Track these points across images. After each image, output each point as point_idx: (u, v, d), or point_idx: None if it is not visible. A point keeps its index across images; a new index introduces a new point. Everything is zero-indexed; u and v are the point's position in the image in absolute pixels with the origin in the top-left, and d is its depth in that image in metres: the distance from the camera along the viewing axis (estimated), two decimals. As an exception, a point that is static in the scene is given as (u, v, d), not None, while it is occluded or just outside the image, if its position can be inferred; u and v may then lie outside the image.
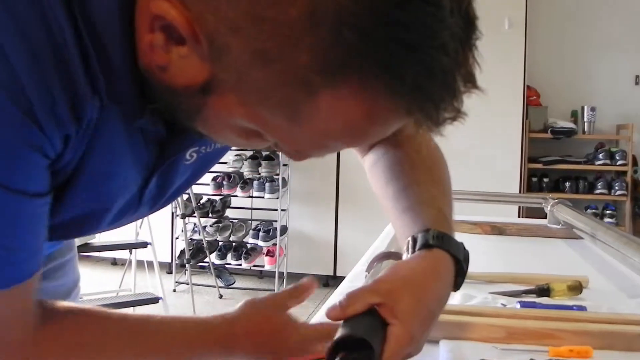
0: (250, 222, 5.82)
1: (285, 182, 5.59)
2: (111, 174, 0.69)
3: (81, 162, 0.64)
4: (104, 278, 5.43)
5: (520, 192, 5.39)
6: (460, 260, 0.78)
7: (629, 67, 5.78)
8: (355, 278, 1.40)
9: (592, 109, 5.62)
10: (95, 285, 4.86)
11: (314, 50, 0.50)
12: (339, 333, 0.65)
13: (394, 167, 0.93)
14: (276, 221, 5.56)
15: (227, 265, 5.65)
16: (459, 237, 0.82)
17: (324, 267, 5.78)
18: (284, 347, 0.81)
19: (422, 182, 0.89)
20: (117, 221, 0.78)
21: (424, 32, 0.49)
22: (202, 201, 5.61)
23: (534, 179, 5.70)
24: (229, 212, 5.74)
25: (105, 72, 0.59)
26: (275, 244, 5.55)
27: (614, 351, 0.99)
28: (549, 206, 2.19)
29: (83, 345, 0.73)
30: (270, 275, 5.66)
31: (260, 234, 5.58)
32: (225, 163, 5.51)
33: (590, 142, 5.79)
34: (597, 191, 5.60)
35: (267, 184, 5.47)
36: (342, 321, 0.67)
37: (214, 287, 5.38)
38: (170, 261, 5.82)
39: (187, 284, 5.15)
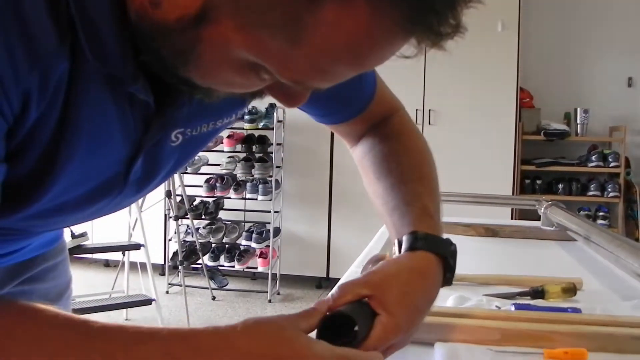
0: (243, 223, 5.82)
1: (278, 184, 5.59)
2: (99, 147, 0.66)
3: (60, 136, 0.61)
4: (96, 280, 5.42)
5: (513, 193, 5.40)
6: (447, 258, 0.81)
7: (621, 69, 5.80)
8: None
9: (585, 111, 5.63)
10: (88, 287, 4.86)
11: None
12: (329, 315, 0.69)
13: (382, 164, 0.95)
14: (269, 223, 5.55)
15: (220, 267, 5.65)
16: (453, 239, 0.84)
17: (317, 268, 5.80)
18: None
19: (408, 180, 0.91)
20: (99, 205, 0.75)
21: None
22: (195, 203, 5.62)
23: (527, 181, 5.71)
24: (222, 214, 5.74)
25: (86, 25, 0.57)
26: (268, 246, 5.55)
27: (608, 353, 0.98)
28: (543, 208, 2.19)
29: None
30: (263, 276, 5.66)
31: (254, 235, 5.58)
32: (218, 165, 5.53)
33: (583, 144, 5.80)
34: (590, 193, 5.61)
35: (260, 186, 5.47)
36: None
37: (207, 288, 5.38)
38: (163, 263, 5.82)
39: (180, 285, 5.14)
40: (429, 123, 5.30)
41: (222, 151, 5.54)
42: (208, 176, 5.62)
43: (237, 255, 5.60)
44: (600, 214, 5.65)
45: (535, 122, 5.64)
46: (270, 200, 5.46)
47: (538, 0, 5.79)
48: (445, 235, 0.85)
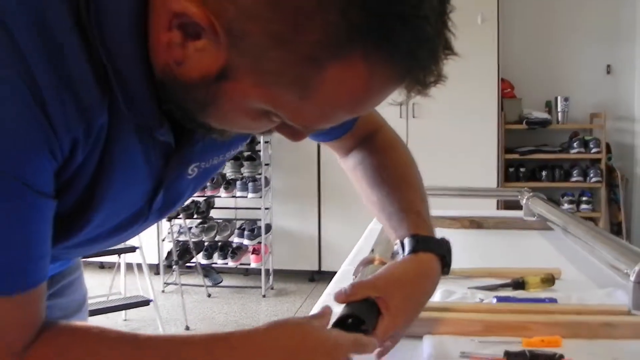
0: (234, 221, 5.86)
1: (267, 181, 5.62)
2: (129, 184, 0.73)
3: (99, 176, 0.68)
4: (92, 282, 5.41)
5: (497, 182, 5.45)
6: (444, 256, 0.95)
7: (600, 57, 5.83)
8: (342, 278, 1.45)
9: (566, 99, 5.68)
10: (84, 290, 4.87)
11: (324, 28, 0.57)
12: (343, 311, 0.85)
13: (374, 175, 1.08)
14: (260, 220, 5.60)
15: (213, 265, 5.69)
16: (440, 232, 0.99)
17: (309, 262, 5.84)
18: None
19: (399, 189, 1.04)
20: (127, 232, 0.84)
21: (412, 4, 0.57)
22: (186, 203, 5.62)
23: (511, 169, 5.74)
24: (213, 213, 5.76)
25: (119, 80, 0.64)
26: (260, 242, 5.59)
27: (581, 339, 1.04)
28: (524, 199, 2.22)
29: None
30: (256, 272, 5.69)
31: (245, 232, 5.62)
32: (208, 164, 5.55)
33: (565, 132, 5.84)
34: (573, 179, 5.65)
35: (249, 184, 5.50)
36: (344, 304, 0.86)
37: (202, 286, 5.41)
38: (157, 262, 5.84)
39: (176, 284, 5.18)
40: (413, 116, 5.34)
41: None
42: (198, 176, 5.62)
43: (230, 253, 5.64)
44: (584, 199, 5.69)
45: (517, 112, 5.69)
46: (261, 197, 5.50)
47: (516, -9, 5.84)
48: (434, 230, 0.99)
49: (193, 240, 5.43)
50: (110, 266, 5.47)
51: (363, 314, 0.84)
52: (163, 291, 5.51)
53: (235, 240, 5.68)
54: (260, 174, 5.51)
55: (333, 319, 0.85)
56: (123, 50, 0.63)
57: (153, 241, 5.71)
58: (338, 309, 0.87)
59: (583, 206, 5.66)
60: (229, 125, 0.70)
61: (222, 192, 5.59)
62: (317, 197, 5.78)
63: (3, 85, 0.56)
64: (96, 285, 4.99)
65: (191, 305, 5.08)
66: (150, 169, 0.75)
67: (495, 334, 1.06)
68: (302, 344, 0.74)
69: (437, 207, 1.43)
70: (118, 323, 4.60)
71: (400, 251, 0.96)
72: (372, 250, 1.20)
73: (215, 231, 5.70)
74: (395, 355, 0.95)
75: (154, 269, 5.79)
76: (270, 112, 0.65)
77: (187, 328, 4.58)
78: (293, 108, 0.64)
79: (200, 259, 5.54)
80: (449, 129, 5.35)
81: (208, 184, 5.53)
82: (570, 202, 5.67)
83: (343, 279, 1.43)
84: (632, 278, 1.17)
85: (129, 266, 4.80)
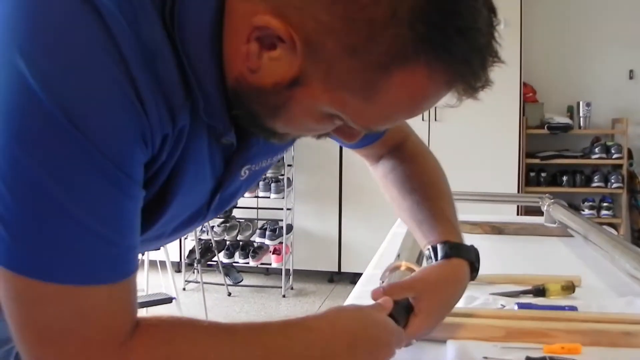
0: (256, 221, 5.89)
1: (290, 182, 5.65)
2: (196, 184, 0.78)
3: (174, 175, 0.73)
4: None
5: (518, 187, 5.43)
6: (473, 262, 1.01)
7: (622, 62, 5.80)
8: (368, 282, 1.49)
9: (588, 104, 5.65)
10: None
11: (393, 39, 0.62)
12: None
13: (405, 183, 1.13)
14: (282, 220, 5.62)
15: (235, 264, 5.72)
16: (463, 236, 1.05)
17: (329, 263, 5.85)
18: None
19: (430, 197, 1.10)
20: (187, 229, 0.90)
21: (469, 18, 0.63)
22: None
23: (532, 174, 5.73)
24: (235, 212, 5.78)
25: (202, 91, 0.69)
26: (281, 242, 5.61)
27: (600, 347, 1.06)
28: (546, 206, 2.24)
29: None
30: (277, 272, 5.73)
31: (267, 232, 5.65)
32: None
33: (586, 137, 5.81)
34: (594, 184, 5.62)
35: (272, 184, 5.54)
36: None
37: (222, 285, 5.45)
38: (179, 260, 5.88)
39: (197, 282, 5.22)
40: (435, 119, 5.36)
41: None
42: (221, 176, 5.65)
43: (251, 252, 5.67)
44: (605, 204, 5.66)
45: (539, 116, 5.66)
46: (283, 197, 5.53)
47: (539, -4, 5.82)
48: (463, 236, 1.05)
49: (215, 239, 5.47)
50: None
51: (397, 312, 0.90)
52: (184, 289, 5.55)
53: (257, 240, 5.70)
54: (283, 175, 5.53)
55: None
56: (203, 59, 0.69)
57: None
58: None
59: (604, 212, 5.63)
60: (294, 128, 0.76)
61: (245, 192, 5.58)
62: (338, 198, 5.79)
63: (112, 84, 0.61)
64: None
65: (212, 303, 5.11)
66: (213, 170, 0.80)
67: (517, 339, 1.09)
68: (367, 331, 0.83)
69: (459, 212, 1.46)
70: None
71: (432, 256, 1.01)
72: (398, 256, 1.23)
73: (237, 230, 5.73)
74: (419, 359, 1.00)
75: (175, 266, 5.83)
76: (334, 115, 0.71)
77: (208, 326, 4.59)
78: (358, 110, 0.69)
79: (221, 257, 5.57)
80: (470, 133, 5.35)
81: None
82: (591, 207, 5.65)
83: (368, 283, 1.47)
84: (652, 288, 1.19)
85: (152, 263, 4.84)
